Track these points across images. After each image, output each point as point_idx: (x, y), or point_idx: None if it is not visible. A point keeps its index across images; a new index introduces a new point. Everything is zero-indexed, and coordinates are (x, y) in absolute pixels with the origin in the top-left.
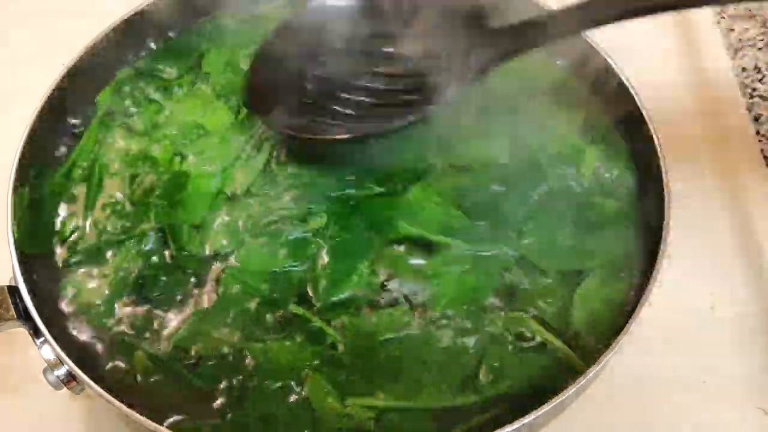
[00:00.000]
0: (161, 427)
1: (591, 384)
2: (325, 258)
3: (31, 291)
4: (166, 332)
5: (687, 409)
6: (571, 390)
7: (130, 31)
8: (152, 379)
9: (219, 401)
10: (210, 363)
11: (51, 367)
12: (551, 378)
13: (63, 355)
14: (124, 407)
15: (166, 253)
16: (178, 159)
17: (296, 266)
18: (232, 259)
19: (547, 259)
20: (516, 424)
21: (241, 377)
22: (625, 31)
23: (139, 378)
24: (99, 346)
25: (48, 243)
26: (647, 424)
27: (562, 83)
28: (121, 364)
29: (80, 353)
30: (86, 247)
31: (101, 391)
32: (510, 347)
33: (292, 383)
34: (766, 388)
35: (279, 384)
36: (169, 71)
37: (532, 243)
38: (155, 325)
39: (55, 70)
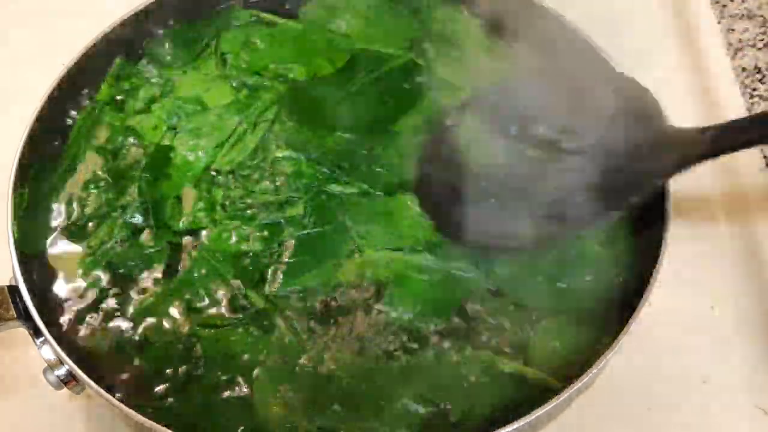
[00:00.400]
0: (161, 427)
1: (590, 384)
2: (292, 247)
3: (31, 291)
4: (126, 307)
5: (687, 409)
6: (569, 391)
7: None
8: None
9: (162, 386)
10: (158, 344)
11: (51, 367)
12: (529, 398)
13: (63, 355)
14: (124, 407)
15: (146, 226)
16: (169, 132)
17: (264, 252)
18: (204, 238)
19: (517, 293)
20: (515, 425)
21: (187, 364)
22: (625, 31)
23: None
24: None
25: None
26: (647, 424)
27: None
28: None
29: (80, 353)
30: (72, 221)
31: (101, 391)
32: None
33: (240, 379)
34: (766, 388)
35: (225, 377)
36: (177, 53)
37: (505, 273)
38: (119, 299)
39: (55, 70)
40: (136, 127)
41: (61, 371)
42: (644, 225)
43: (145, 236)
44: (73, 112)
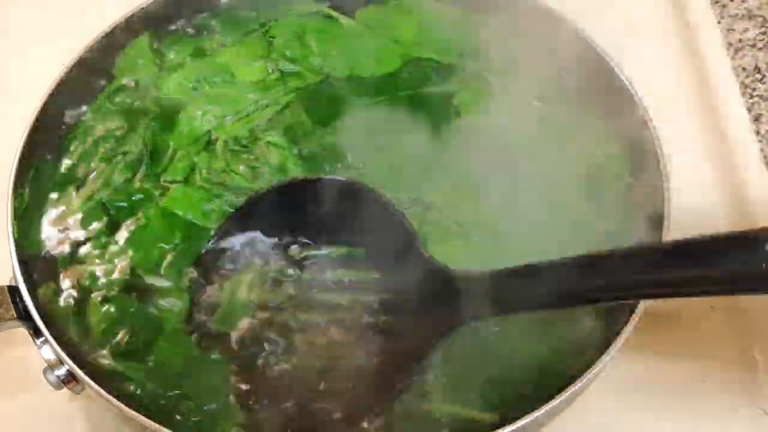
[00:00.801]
0: (161, 427)
1: (590, 384)
2: None
3: (31, 291)
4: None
5: (687, 408)
6: (567, 392)
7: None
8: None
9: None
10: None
11: (51, 367)
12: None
13: (63, 355)
14: (124, 407)
15: (138, 176)
16: (189, 91)
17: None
18: (168, 194)
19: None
20: (515, 425)
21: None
22: (625, 31)
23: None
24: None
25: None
26: (647, 423)
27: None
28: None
29: (80, 353)
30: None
31: (101, 391)
32: None
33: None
34: (766, 388)
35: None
36: (226, 28)
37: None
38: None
39: (55, 70)
40: (156, 79)
41: (61, 371)
42: (643, 224)
43: (137, 184)
44: (74, 112)
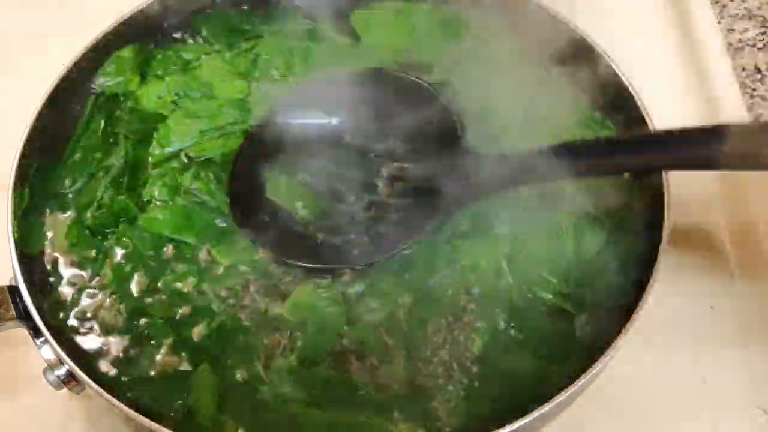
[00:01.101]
0: (161, 427)
1: (590, 384)
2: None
3: (31, 291)
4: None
5: (687, 408)
6: (569, 391)
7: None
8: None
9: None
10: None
11: (51, 367)
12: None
13: (63, 355)
14: (124, 407)
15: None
16: (169, 105)
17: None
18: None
19: None
20: (515, 425)
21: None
22: (625, 31)
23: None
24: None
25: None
26: (647, 424)
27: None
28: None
29: (80, 353)
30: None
31: (101, 391)
32: None
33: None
34: (766, 388)
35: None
36: (216, 34)
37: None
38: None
39: (55, 70)
40: (137, 92)
41: (61, 371)
42: (643, 225)
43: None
44: (72, 113)
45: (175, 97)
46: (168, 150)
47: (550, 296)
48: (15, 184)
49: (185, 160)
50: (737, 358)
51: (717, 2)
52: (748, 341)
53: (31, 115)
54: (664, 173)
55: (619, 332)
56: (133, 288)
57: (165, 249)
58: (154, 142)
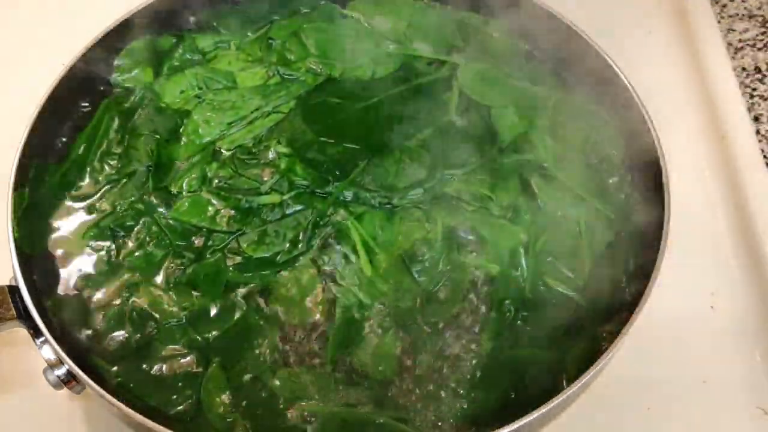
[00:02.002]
0: (161, 427)
1: (591, 384)
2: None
3: (31, 291)
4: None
5: (687, 409)
6: (569, 391)
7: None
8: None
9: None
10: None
11: (51, 367)
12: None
13: (63, 355)
14: (124, 407)
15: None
16: (192, 100)
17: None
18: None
19: None
20: (515, 424)
21: (140, 329)
22: (625, 31)
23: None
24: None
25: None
26: (647, 423)
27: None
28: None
29: (80, 353)
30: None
31: (101, 391)
32: None
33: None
34: (766, 388)
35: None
36: (230, 26)
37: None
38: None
39: (55, 70)
40: (156, 88)
41: (61, 371)
42: (644, 225)
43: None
44: (75, 113)
45: (198, 91)
46: (198, 142)
47: (564, 287)
48: (15, 184)
49: (215, 151)
50: (737, 358)
51: (717, 2)
52: (748, 341)
53: (31, 115)
54: (663, 172)
55: (619, 332)
56: (142, 288)
57: (193, 239)
58: (184, 138)
